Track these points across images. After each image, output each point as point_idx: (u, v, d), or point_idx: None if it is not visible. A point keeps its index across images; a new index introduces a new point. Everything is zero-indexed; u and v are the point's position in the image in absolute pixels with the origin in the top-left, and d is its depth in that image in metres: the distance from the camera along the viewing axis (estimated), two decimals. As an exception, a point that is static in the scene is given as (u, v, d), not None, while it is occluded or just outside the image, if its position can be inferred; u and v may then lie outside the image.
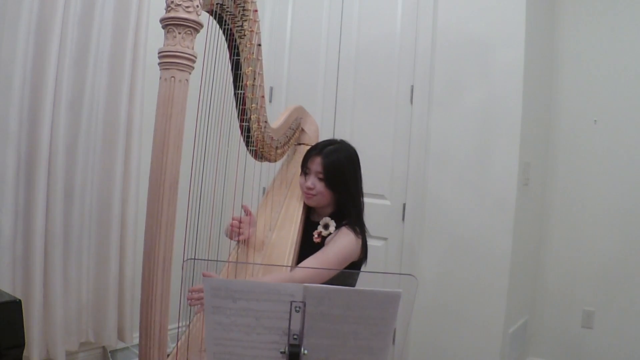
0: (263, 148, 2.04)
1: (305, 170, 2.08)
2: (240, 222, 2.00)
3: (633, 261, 3.19)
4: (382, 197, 3.16)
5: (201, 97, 1.55)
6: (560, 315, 3.40)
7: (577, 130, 3.34)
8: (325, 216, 2.08)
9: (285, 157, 2.37)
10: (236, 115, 1.88)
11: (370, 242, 3.03)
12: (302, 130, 2.44)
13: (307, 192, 2.05)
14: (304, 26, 3.49)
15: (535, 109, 3.04)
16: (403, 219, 3.11)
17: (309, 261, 1.90)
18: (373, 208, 3.07)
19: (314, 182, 2.02)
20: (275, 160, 2.22)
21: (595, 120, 3.29)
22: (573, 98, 3.36)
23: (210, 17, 1.63)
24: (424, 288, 3.04)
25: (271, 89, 3.55)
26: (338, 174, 2.02)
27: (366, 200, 2.96)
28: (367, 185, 3.04)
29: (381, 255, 3.16)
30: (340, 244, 1.95)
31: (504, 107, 2.86)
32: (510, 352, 3.01)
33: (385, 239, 3.15)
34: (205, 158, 1.66)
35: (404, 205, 3.11)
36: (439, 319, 3.03)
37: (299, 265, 1.95)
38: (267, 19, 3.58)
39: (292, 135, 2.33)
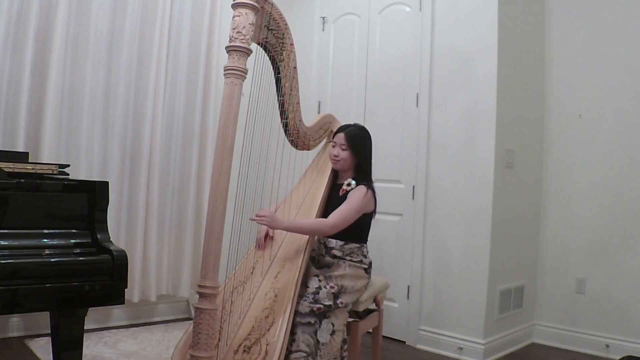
0: (298, 138, 2.81)
1: (332, 143, 2.88)
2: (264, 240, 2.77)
3: (616, 235, 3.73)
4: (397, 181, 3.97)
5: (253, 101, 2.33)
6: (557, 282, 3.98)
7: (565, 123, 3.99)
8: (347, 179, 2.84)
9: (320, 147, 3.17)
10: (279, 115, 2.71)
11: (389, 218, 3.96)
12: (332, 131, 3.18)
13: (333, 158, 2.85)
14: (342, 54, 4.44)
15: (513, 108, 3.71)
16: (413, 197, 3.89)
17: (338, 209, 2.62)
18: (391, 190, 3.95)
19: (339, 151, 2.82)
20: (310, 149, 3.01)
21: (579, 115, 3.90)
22: (560, 95, 4.01)
23: (259, 47, 2.48)
24: (429, 252, 3.80)
25: (319, 102, 4.53)
26: (356, 142, 2.80)
27: (385, 184, 3.88)
28: (387, 173, 3.94)
29: (397, 228, 3.96)
30: (358, 196, 2.66)
31: (482, 108, 3.58)
32: (501, 307, 3.67)
33: (400, 214, 3.95)
34: (254, 141, 2.40)
35: (414, 187, 3.89)
36: (442, 276, 3.74)
37: (332, 213, 2.62)
38: (315, 51, 4.60)
39: (324, 134, 3.14)
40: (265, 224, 2.51)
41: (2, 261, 2.01)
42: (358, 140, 2.81)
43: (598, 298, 3.78)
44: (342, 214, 2.61)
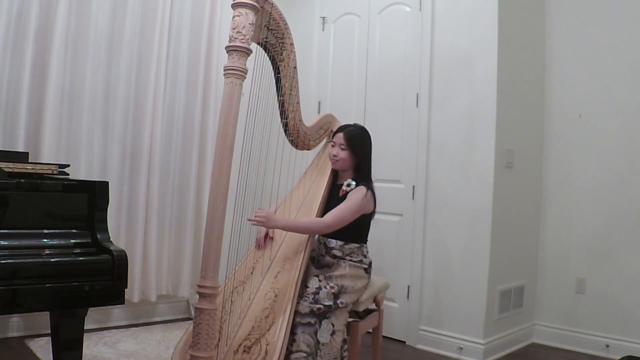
0: (298, 138, 2.81)
1: (332, 143, 2.88)
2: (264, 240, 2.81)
3: (616, 235, 3.73)
4: (397, 181, 3.97)
5: (253, 100, 2.34)
6: (557, 282, 3.97)
7: (565, 123, 3.99)
8: (346, 179, 2.83)
9: (320, 147, 3.16)
10: (279, 115, 2.70)
11: (389, 218, 3.96)
12: (332, 131, 3.17)
13: (332, 158, 2.84)
14: (342, 54, 4.44)
15: (513, 108, 3.71)
16: (413, 197, 3.89)
17: (336, 209, 2.62)
18: (391, 190, 3.95)
19: (338, 152, 2.80)
20: (310, 148, 3.00)
21: (579, 115, 3.90)
22: (560, 95, 4.01)
23: (259, 47, 2.47)
24: (429, 252, 3.80)
25: (319, 103, 4.53)
26: (355, 142, 2.79)
27: (386, 185, 3.88)
28: (387, 173, 3.94)
29: (397, 228, 3.96)
30: (357, 197, 2.65)
31: (482, 108, 3.58)
32: (501, 307, 3.66)
33: (400, 214, 3.95)
34: (254, 141, 2.44)
35: (414, 187, 3.89)
36: (442, 276, 3.73)
37: (329, 212, 2.63)
38: (315, 51, 4.60)
39: (324, 134, 3.14)
40: (261, 225, 2.52)
41: (2, 261, 2.01)
42: (357, 140, 2.80)
43: (598, 298, 3.78)
44: (339, 214, 2.61)
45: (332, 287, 2.51)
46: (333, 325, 2.44)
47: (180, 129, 4.00)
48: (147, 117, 3.74)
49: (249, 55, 2.11)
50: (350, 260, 2.67)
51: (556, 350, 3.83)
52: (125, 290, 2.34)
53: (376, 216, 2.84)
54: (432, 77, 3.83)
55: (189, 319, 4.03)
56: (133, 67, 3.72)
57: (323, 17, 4.58)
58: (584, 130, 3.89)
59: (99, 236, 2.35)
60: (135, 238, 3.72)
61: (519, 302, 3.87)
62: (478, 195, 3.58)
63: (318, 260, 2.75)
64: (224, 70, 2.09)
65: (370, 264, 2.77)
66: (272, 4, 2.32)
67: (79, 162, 3.49)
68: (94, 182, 2.42)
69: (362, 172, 2.81)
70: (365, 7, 4.27)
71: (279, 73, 2.57)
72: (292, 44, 2.54)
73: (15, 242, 2.15)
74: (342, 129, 2.86)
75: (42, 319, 3.21)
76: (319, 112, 4.44)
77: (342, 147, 2.78)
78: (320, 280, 2.53)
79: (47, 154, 3.27)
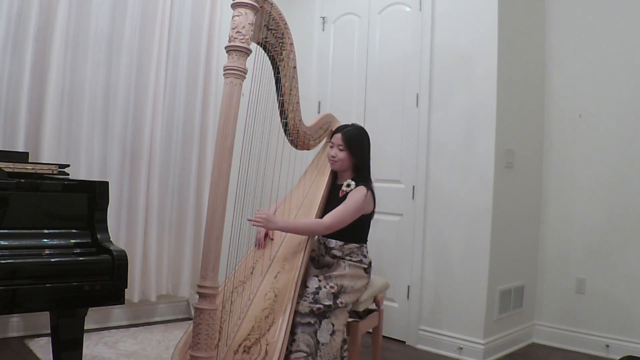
0: (298, 138, 2.78)
1: (330, 144, 2.88)
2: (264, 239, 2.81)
3: (615, 235, 3.73)
4: (397, 181, 3.97)
5: (253, 100, 2.34)
6: (557, 282, 3.98)
7: (565, 123, 3.99)
8: (346, 179, 2.83)
9: (319, 147, 3.15)
10: (278, 114, 2.69)
11: (389, 218, 3.96)
12: (331, 131, 3.14)
13: (331, 159, 2.85)
14: (342, 54, 4.45)
15: (513, 108, 3.72)
16: (413, 197, 3.89)
17: (335, 210, 2.61)
18: (391, 190, 3.96)
19: (336, 152, 2.81)
20: (309, 148, 2.99)
21: (580, 115, 3.90)
22: (560, 96, 4.01)
23: (259, 47, 2.47)
24: (429, 252, 3.80)
25: (319, 103, 4.53)
26: (353, 142, 2.80)
27: (385, 185, 3.89)
28: (387, 173, 3.94)
29: (397, 228, 3.96)
30: (357, 197, 2.65)
31: (482, 108, 3.58)
32: (501, 307, 3.67)
33: (400, 214, 3.95)
34: (254, 141, 2.43)
35: (414, 187, 3.89)
36: (442, 276, 3.74)
37: (329, 213, 2.62)
38: (315, 51, 4.60)
39: (323, 134, 3.12)
40: (261, 226, 2.51)
41: (2, 261, 2.01)
42: (355, 141, 2.80)
43: (598, 298, 3.78)
44: (338, 215, 2.60)
45: (331, 287, 2.51)
46: (333, 325, 2.44)
47: (180, 129, 4.01)
48: (147, 117, 3.74)
49: (248, 55, 2.11)
50: (350, 260, 2.67)
51: (556, 350, 3.83)
52: (125, 290, 2.33)
53: (376, 216, 2.84)
54: (432, 77, 3.83)
55: (189, 319, 4.04)
56: (133, 67, 3.72)
57: (323, 17, 4.58)
58: (584, 130, 3.89)
59: (99, 236, 2.34)
60: (135, 238, 3.72)
61: (519, 302, 3.87)
62: (478, 195, 3.58)
63: (318, 261, 2.75)
64: (224, 70, 2.10)
65: (370, 263, 2.77)
66: (271, 4, 2.31)
67: (79, 162, 3.50)
68: (94, 182, 2.42)
69: (361, 172, 2.82)
70: (365, 7, 4.27)
71: (278, 73, 2.57)
72: (291, 44, 2.53)
73: (15, 242, 2.14)
74: (340, 129, 2.86)
75: (42, 319, 3.21)
76: (319, 112, 4.44)
77: (340, 147, 2.79)
78: (320, 280, 2.53)
79: (47, 154, 3.27)
